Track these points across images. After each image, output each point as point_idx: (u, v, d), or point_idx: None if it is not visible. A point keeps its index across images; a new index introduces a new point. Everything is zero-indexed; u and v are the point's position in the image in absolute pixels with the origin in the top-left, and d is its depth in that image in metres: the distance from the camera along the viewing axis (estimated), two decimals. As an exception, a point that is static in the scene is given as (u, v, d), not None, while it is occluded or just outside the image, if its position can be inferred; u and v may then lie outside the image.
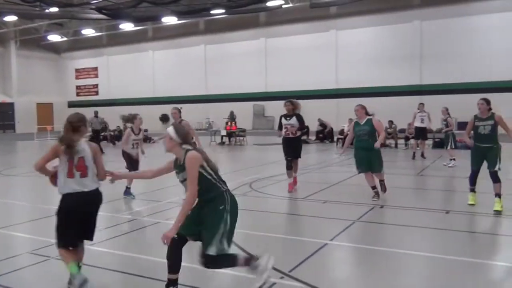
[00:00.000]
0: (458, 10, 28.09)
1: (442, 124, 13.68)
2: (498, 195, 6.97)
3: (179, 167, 3.86)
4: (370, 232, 6.28)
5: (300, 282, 4.24)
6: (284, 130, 8.99)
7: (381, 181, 8.28)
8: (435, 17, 28.81)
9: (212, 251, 3.64)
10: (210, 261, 3.71)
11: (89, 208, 4.17)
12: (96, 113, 21.01)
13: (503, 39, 27.13)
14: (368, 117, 8.08)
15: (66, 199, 4.10)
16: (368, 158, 8.04)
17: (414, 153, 14.90)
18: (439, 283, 4.33)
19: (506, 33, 27.12)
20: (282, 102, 9.56)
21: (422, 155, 14.68)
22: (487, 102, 7.17)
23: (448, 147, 12.92)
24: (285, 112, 9.08)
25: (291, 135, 8.89)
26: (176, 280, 3.91)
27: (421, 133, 14.89)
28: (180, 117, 8.69)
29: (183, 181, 3.87)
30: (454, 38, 28.45)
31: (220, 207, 3.74)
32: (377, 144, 7.96)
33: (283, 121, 9.00)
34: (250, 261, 3.84)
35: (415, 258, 5.07)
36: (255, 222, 6.97)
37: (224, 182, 3.87)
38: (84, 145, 4.16)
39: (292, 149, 8.97)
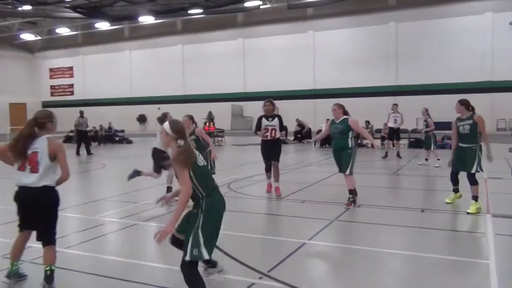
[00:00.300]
0: (433, 13, 28.65)
1: (422, 125, 13.80)
2: (475, 197, 7.00)
3: None
4: (348, 231, 6.33)
5: (279, 282, 4.23)
6: (264, 131, 8.55)
7: (350, 192, 7.64)
8: (410, 19, 29.33)
9: (185, 256, 3.51)
10: (183, 269, 3.55)
11: (34, 205, 4.07)
12: (81, 113, 19.62)
13: (477, 41, 27.81)
14: (345, 116, 7.80)
15: (17, 191, 4.13)
16: (339, 159, 7.78)
17: (386, 152, 15.20)
18: (416, 281, 4.39)
19: (480, 35, 27.81)
20: (260, 103, 9.13)
21: (398, 155, 14.91)
22: (461, 102, 7.19)
23: (432, 148, 13.04)
24: (263, 112, 8.65)
25: (269, 138, 8.52)
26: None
27: (395, 133, 15.17)
28: (193, 123, 8.34)
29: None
30: (429, 40, 29.00)
31: (194, 211, 3.64)
32: (375, 144, 8.50)
33: (265, 121, 8.55)
34: None
35: (393, 256, 5.13)
36: (234, 222, 6.94)
37: (207, 188, 3.67)
38: (42, 141, 4.08)
39: (272, 152, 8.58)
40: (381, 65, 30.39)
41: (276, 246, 5.54)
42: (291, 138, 24.47)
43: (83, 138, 19.29)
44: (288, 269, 4.63)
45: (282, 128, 8.73)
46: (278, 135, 8.58)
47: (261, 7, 28.85)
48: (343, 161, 7.66)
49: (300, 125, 24.61)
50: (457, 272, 4.63)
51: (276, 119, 8.57)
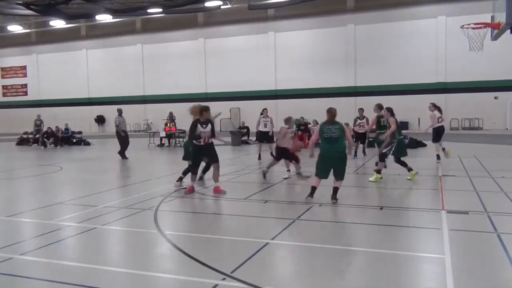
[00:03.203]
0: (390, 16, 29.51)
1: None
2: (377, 171, 9.85)
3: None
4: (310, 230, 6.41)
5: (242, 282, 4.23)
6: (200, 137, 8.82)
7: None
8: (368, 21, 30.08)
9: None
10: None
11: None
12: (120, 111, 17.01)
13: (431, 44, 28.86)
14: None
15: None
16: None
17: (259, 154, 15.39)
18: (376, 277, 4.49)
19: (434, 38, 28.87)
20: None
21: (272, 155, 14.84)
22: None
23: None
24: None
25: (202, 143, 8.78)
26: None
27: (265, 137, 15.48)
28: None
29: None
30: (386, 42, 29.83)
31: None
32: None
33: (200, 128, 8.78)
34: None
35: (353, 254, 5.24)
36: (196, 223, 6.90)
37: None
38: None
39: (209, 155, 8.99)
40: (341, 66, 30.98)
41: (239, 247, 5.54)
42: (253, 138, 24.52)
43: (126, 138, 16.57)
44: (251, 270, 4.64)
45: (214, 135, 8.99)
46: (210, 140, 8.96)
47: (221, 7, 28.78)
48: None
49: (263, 125, 24.64)
50: (414, 267, 4.79)
51: (209, 125, 8.89)
